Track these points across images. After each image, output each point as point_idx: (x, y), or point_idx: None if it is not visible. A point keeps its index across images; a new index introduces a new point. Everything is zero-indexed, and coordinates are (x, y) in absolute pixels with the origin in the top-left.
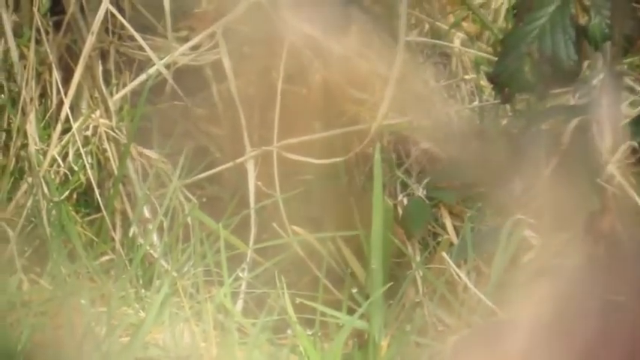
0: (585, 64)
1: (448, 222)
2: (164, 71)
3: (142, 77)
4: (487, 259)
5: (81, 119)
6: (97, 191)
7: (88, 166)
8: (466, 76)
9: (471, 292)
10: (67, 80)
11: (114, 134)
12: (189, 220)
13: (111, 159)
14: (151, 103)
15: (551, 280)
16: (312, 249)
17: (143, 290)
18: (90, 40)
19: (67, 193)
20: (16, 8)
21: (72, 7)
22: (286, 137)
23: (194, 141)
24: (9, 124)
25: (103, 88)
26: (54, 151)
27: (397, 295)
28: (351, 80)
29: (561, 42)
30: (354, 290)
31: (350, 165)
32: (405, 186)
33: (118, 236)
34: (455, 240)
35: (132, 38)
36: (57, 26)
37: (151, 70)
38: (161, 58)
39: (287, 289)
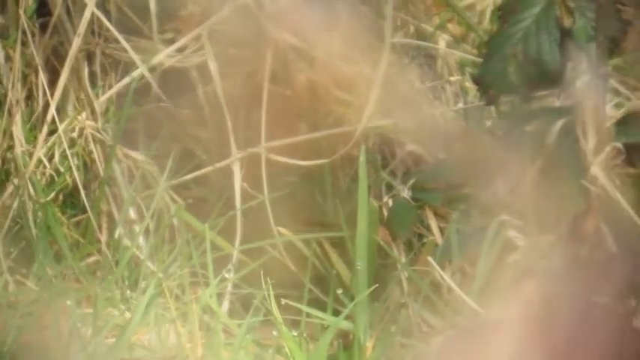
0: (570, 65)
1: (433, 223)
2: (147, 74)
3: (127, 79)
4: (472, 259)
5: (67, 121)
6: (82, 192)
7: (74, 168)
8: (451, 78)
9: (456, 293)
10: (53, 82)
11: (100, 136)
12: (175, 221)
13: (97, 160)
14: (137, 104)
15: (536, 281)
16: (298, 250)
17: (129, 291)
18: (76, 42)
19: (53, 194)
20: (2, 10)
21: (58, 9)
22: (272, 139)
23: (180, 143)
24: None
25: (89, 89)
26: (40, 152)
27: (382, 296)
28: (337, 82)
29: (546, 44)
30: (340, 291)
31: (335, 166)
32: (390, 187)
33: (104, 237)
34: (440, 241)
35: (118, 40)
36: (43, 28)
37: (136, 73)
38: (146, 60)
39: (272, 290)
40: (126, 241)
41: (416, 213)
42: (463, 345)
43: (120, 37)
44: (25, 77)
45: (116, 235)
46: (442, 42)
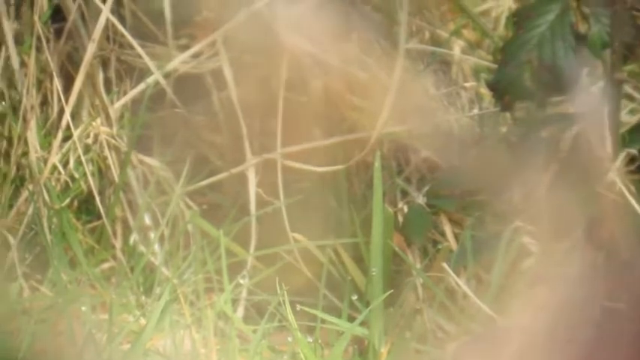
0: (585, 72)
1: (448, 229)
2: (162, 80)
3: (142, 86)
4: (487, 266)
5: (82, 127)
6: (97, 199)
7: (88, 174)
8: (466, 84)
9: (471, 299)
10: (67, 88)
11: (115, 142)
12: (189, 227)
13: (112, 167)
14: (152, 110)
15: (551, 288)
16: (313, 256)
17: (144, 297)
18: (91, 48)
19: (67, 200)
20: (17, 16)
21: (73, 15)
22: (287, 145)
23: (195, 149)
24: (10, 131)
25: (104, 95)
26: (55, 158)
27: (397, 302)
28: (352, 88)
29: (561, 50)
30: (354, 297)
31: (350, 173)
32: (405, 194)
33: (118, 244)
34: (455, 247)
35: (132, 46)
36: (58, 34)
37: (151, 79)
38: (161, 67)
39: (287, 295)
40: (141, 247)
41: (431, 219)
42: (478, 351)
43: (135, 43)
44: (39, 83)
45: (131, 241)
46: (457, 48)
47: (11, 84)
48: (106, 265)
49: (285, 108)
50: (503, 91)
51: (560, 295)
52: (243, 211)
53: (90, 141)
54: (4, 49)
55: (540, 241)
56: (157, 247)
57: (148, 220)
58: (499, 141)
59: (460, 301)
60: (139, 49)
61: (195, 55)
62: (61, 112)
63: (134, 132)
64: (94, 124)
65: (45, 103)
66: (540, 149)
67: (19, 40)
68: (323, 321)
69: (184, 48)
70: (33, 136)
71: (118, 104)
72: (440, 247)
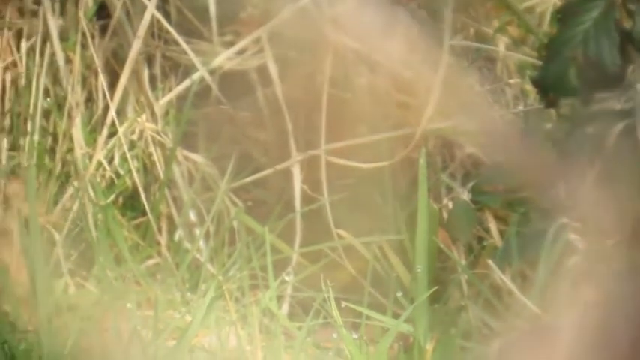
0: (630, 68)
1: (493, 226)
2: (207, 77)
3: (187, 82)
4: (532, 262)
5: (127, 123)
6: (142, 195)
7: (133, 170)
8: (511, 80)
9: (516, 296)
10: (112, 84)
11: (160, 138)
12: (234, 224)
13: (157, 163)
14: (197, 107)
15: (596, 285)
16: (358, 253)
17: (189, 294)
18: (136, 45)
19: (112, 197)
20: (62, 12)
21: (118, 12)
22: (331, 141)
23: (240, 145)
24: (55, 128)
25: (149, 92)
26: (100, 155)
27: (442, 299)
28: (397, 84)
29: (605, 46)
30: (399, 294)
31: (395, 169)
32: (449, 190)
33: (163, 240)
34: (499, 244)
35: (178, 43)
36: (103, 30)
37: (196, 76)
38: (206, 63)
39: (332, 292)
40: (186, 244)
41: (475, 215)
42: (523, 348)
43: (180, 39)
44: (84, 80)
45: (176, 238)
46: (502, 45)
47: (56, 80)
48: (151, 262)
49: (329, 104)
50: (547, 87)
51: (606, 292)
52: (288, 208)
53: (135, 137)
54: (49, 45)
55: (586, 238)
56: (202, 243)
57: (193, 217)
58: (544, 137)
59: (505, 297)
60: (184, 46)
61: (240, 52)
62: (106, 108)
63: (179, 128)
64: (139, 120)
65: (90, 99)
66: (585, 146)
67: (64, 37)
68: (368, 317)
69: (229, 44)
70: (78, 132)
71: (163, 101)
72: (485, 243)
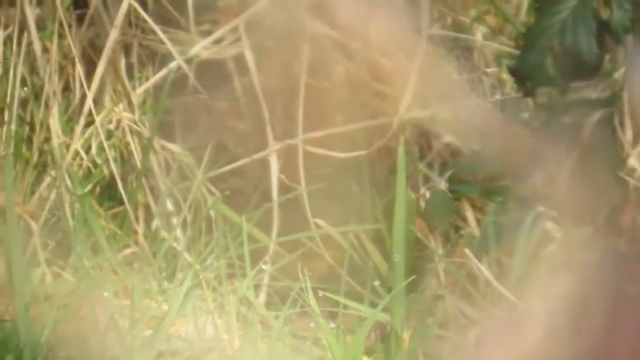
0: (607, 57)
1: (470, 215)
2: (184, 66)
3: (164, 71)
4: (509, 251)
5: (104, 113)
6: (120, 184)
7: (111, 160)
8: (488, 70)
9: (493, 284)
10: (89, 74)
11: (137, 128)
12: (212, 213)
13: (134, 152)
14: (174, 96)
15: (573, 274)
16: (335, 242)
17: (166, 283)
18: (113, 34)
19: (90, 186)
20: (39, 2)
21: (95, 1)
22: (309, 131)
23: (217, 134)
24: (32, 117)
25: (126, 81)
26: (77, 144)
27: (419, 288)
28: (374, 73)
29: (583, 36)
30: (377, 283)
31: (372, 158)
32: (427, 179)
33: (141, 229)
34: (477, 232)
35: (155, 32)
36: (80, 20)
37: (173, 65)
38: (184, 52)
39: (310, 281)
40: (163, 233)
41: (453, 205)
42: (500, 337)
43: (157, 28)
44: (62, 69)
45: (153, 227)
46: (479, 34)
47: (33, 70)
48: (128, 251)
49: (307, 94)
50: (525, 76)
51: (582, 281)
52: (265, 197)
53: (112, 127)
54: (26, 35)
55: (562, 227)
56: (179, 232)
57: (170, 206)
58: (521, 126)
59: (482, 286)
60: (161, 35)
61: (218, 41)
62: (83, 97)
63: (156, 118)
64: (116, 109)
65: (67, 88)
66: (562, 135)
67: (41, 26)
68: (345, 307)
69: (206, 33)
70: (55, 121)
71: (140, 90)
72: (462, 232)
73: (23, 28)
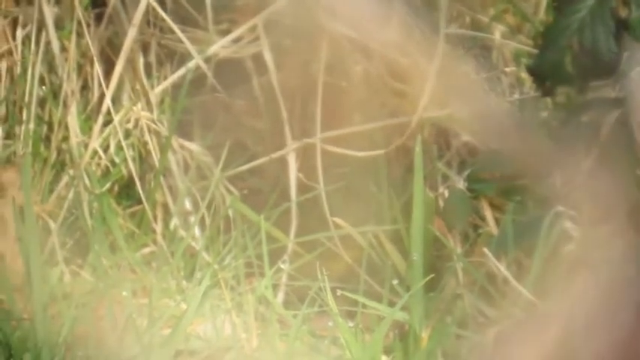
0: (625, 56)
1: (489, 214)
2: (203, 65)
3: (183, 70)
4: (528, 251)
5: (122, 112)
6: (138, 183)
7: (129, 159)
8: (506, 69)
9: (511, 284)
10: (108, 73)
11: (155, 127)
12: (230, 212)
13: (152, 151)
14: (192, 95)
15: (592, 273)
16: (353, 241)
17: (184, 282)
18: (131, 33)
19: (108, 185)
20: (58, 1)
21: (113, 0)
22: (327, 130)
23: (235, 133)
24: (50, 116)
25: (145, 80)
26: (95, 143)
27: (438, 287)
28: (392, 72)
29: (601, 35)
30: (395, 282)
31: (391, 157)
32: (445, 178)
33: (159, 228)
34: (495, 232)
35: (173, 31)
36: (98, 19)
37: (191, 64)
38: (202, 51)
39: (328, 281)
40: (181, 232)
41: (471, 204)
42: (519, 336)
43: (175, 27)
44: (80, 68)
45: (171, 226)
46: (497, 33)
47: (52, 69)
48: (146, 250)
49: (325, 93)
50: (543, 75)
51: (602, 280)
52: (284, 196)
53: (130, 126)
54: (44, 34)
55: (581, 226)
56: (197, 231)
57: (188, 205)
58: (540, 126)
59: (501, 286)
60: (180, 34)
61: (236, 40)
62: (102, 96)
63: (175, 117)
64: (134, 108)
65: (85, 87)
66: (581, 134)
67: (59, 25)
68: (364, 306)
69: (225, 32)
70: (73, 120)
71: (158, 89)
72: (480, 231)
73: (41, 27)
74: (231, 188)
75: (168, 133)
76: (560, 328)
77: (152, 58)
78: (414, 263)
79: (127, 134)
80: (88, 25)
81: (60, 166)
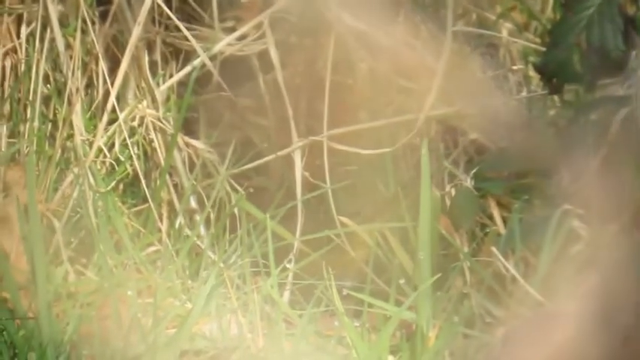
0: (633, 54)
1: (496, 213)
2: (208, 63)
3: (188, 68)
4: (535, 249)
5: (127, 110)
6: (143, 182)
7: (134, 157)
8: (514, 67)
9: (519, 283)
10: (113, 70)
11: (160, 124)
12: (235, 210)
13: (157, 149)
14: (198, 93)
15: (599, 271)
16: (360, 240)
17: (190, 281)
18: (136, 31)
19: (113, 183)
20: None
21: None
22: (333, 127)
23: (241, 131)
24: (55, 114)
25: (150, 78)
26: (100, 141)
27: (445, 287)
28: (399, 70)
29: (609, 32)
30: (402, 281)
31: (397, 155)
32: (452, 176)
33: (164, 227)
34: (502, 231)
35: (178, 28)
36: (103, 16)
37: (197, 61)
38: (207, 49)
39: (334, 280)
40: (187, 231)
41: (478, 202)
42: (526, 336)
43: (181, 25)
44: (85, 66)
45: (177, 225)
46: (505, 30)
47: (56, 66)
48: (151, 249)
49: (331, 90)
50: (551, 73)
51: (609, 278)
52: (290, 195)
53: (135, 124)
54: (49, 31)
55: (589, 225)
56: (202, 230)
57: (193, 203)
58: (547, 124)
59: (508, 285)
60: (185, 32)
61: (242, 38)
62: (107, 94)
63: (180, 114)
64: (139, 106)
65: (90, 85)
66: (589, 132)
67: (64, 23)
68: (370, 305)
69: (230, 30)
70: (78, 118)
71: (163, 87)
72: (488, 230)
73: (46, 24)
74: (237, 186)
75: (173, 131)
76: (567, 327)
77: (157, 55)
78: (421, 262)
79: (132, 132)
80: (93, 23)
81: (64, 165)
